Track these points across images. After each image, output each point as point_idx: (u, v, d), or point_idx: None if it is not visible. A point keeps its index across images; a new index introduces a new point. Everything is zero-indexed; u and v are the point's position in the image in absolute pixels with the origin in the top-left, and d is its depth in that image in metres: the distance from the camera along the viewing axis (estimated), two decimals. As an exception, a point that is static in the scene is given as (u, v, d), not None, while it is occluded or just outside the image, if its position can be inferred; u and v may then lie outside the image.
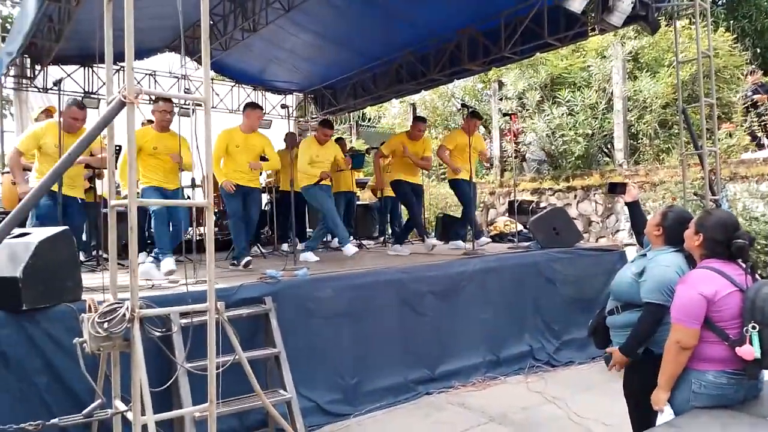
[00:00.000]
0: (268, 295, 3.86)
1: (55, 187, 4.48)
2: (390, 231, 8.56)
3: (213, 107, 6.11)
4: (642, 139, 10.79)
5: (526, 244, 6.23)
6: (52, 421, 2.39)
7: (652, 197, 9.06)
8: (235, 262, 5.23)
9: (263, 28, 6.87)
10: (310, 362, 4.00)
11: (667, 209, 2.76)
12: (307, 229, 8.30)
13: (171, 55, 9.11)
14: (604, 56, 11.21)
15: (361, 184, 9.46)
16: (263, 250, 6.72)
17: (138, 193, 4.77)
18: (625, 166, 10.33)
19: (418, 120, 6.83)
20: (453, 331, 4.87)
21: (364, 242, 7.52)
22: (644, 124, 10.55)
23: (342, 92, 9.95)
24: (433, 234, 7.94)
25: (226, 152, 5.32)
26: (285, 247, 6.84)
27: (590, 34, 6.25)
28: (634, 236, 3.32)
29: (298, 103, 11.24)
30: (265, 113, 10.35)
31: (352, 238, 7.11)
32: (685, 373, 2.30)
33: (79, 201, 4.90)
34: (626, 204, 3.27)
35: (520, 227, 7.32)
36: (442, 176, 13.40)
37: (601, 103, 11.00)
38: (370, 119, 17.62)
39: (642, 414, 2.60)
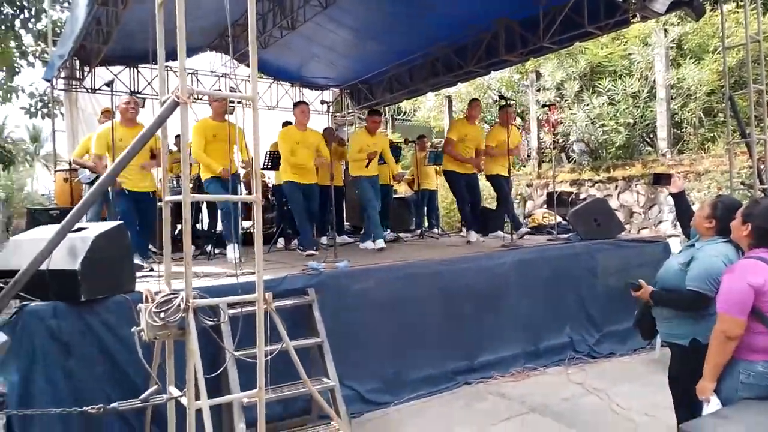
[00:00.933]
0: (311, 286, 3.97)
1: (128, 186, 4.75)
2: (427, 224, 8.60)
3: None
4: (686, 127, 10.49)
5: (566, 235, 6.16)
6: (112, 405, 2.54)
7: (697, 187, 8.82)
8: (301, 248, 5.68)
9: (301, 25, 6.97)
10: (351, 352, 4.08)
11: (717, 199, 2.72)
12: (345, 222, 8.40)
13: (210, 54, 9.36)
14: (646, 43, 10.91)
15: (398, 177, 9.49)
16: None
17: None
18: (668, 155, 10.06)
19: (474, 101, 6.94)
20: (492, 322, 4.89)
21: (401, 235, 7.56)
22: (688, 112, 10.25)
23: (378, 87, 9.99)
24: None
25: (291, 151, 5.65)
26: (324, 240, 6.94)
27: (632, 21, 6.10)
28: (678, 227, 3.28)
29: (334, 98, 11.34)
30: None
31: (388, 231, 7.21)
32: (733, 363, 2.27)
33: (150, 195, 5.14)
34: (671, 195, 3.23)
35: (559, 219, 7.24)
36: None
37: (643, 91, 10.73)
38: (405, 113, 17.64)
39: (687, 405, 2.58)
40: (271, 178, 7.94)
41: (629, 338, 5.31)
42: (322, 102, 8.68)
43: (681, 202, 3.17)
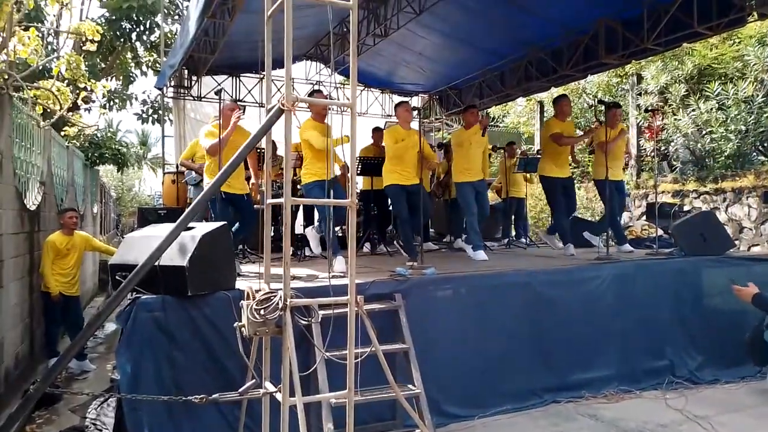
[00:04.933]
0: (398, 291, 3.98)
1: (224, 188, 4.95)
2: (514, 233, 8.39)
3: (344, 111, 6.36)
4: (807, 135, 9.55)
5: (668, 250, 5.78)
6: (213, 396, 2.69)
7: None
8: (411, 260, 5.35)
9: (394, 32, 7.06)
10: (436, 360, 4.05)
11: None
12: (431, 230, 8.38)
13: (305, 63, 9.71)
14: (763, 43, 10.04)
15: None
16: (389, 249, 6.89)
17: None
18: (786, 166, 9.20)
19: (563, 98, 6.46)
20: (584, 339, 4.67)
21: (487, 244, 7.43)
22: (811, 118, 9.32)
23: (467, 92, 9.91)
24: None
25: (394, 151, 5.53)
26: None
27: (748, 20, 5.63)
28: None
29: (423, 104, 11.39)
30: (390, 115, 10.70)
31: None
32: None
33: (245, 197, 5.35)
34: None
35: (660, 232, 6.81)
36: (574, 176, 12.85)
37: (758, 96, 9.87)
38: (494, 118, 17.33)
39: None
40: (359, 183, 8.09)
41: (736, 364, 4.87)
42: (414, 108, 8.71)
43: None
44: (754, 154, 10.62)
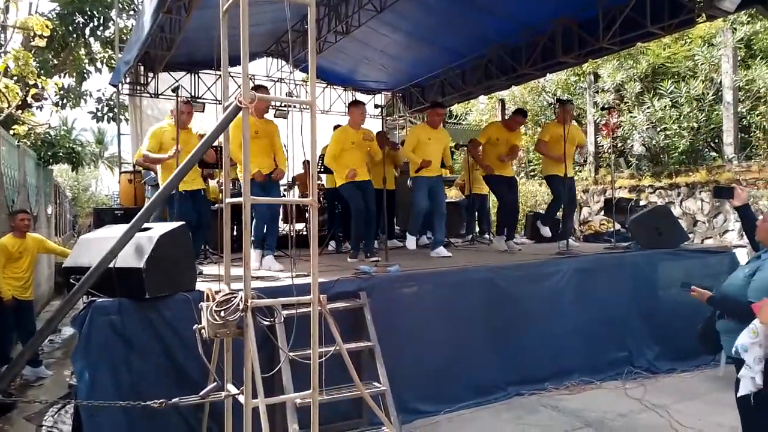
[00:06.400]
0: (363, 289, 3.97)
1: (183, 186, 4.87)
2: (477, 229, 8.48)
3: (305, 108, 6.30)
4: (755, 132, 9.96)
5: (625, 244, 5.95)
6: (173, 400, 2.61)
7: (767, 195, 8.34)
8: (369, 255, 5.49)
9: (355, 30, 7.04)
10: (401, 357, 4.05)
11: None
12: (395, 226, 8.40)
13: (265, 60, 9.59)
14: (712, 44, 10.43)
15: (449, 182, 9.42)
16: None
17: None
18: (735, 161, 9.57)
19: (518, 113, 6.50)
20: (546, 333, 4.76)
21: (452, 240, 7.49)
22: (757, 116, 9.73)
23: (430, 90, 9.97)
24: (523, 233, 7.78)
25: (342, 150, 5.52)
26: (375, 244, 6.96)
27: (698, 21, 5.83)
28: (746, 238, 3.11)
29: (386, 102, 11.40)
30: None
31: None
32: None
33: (202, 192, 5.24)
34: (735, 208, 3.08)
35: (617, 227, 7.00)
36: (532, 173, 13.08)
37: (708, 94, 10.25)
38: (456, 116, 17.51)
39: (759, 425, 2.44)
40: (323, 181, 8.04)
41: (691, 354, 5.04)
42: (377, 106, 8.71)
43: (746, 215, 3.01)
44: (706, 150, 11.02)
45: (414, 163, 5.80)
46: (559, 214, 6.51)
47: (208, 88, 9.32)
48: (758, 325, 2.12)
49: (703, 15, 5.56)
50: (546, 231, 6.52)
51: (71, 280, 3.26)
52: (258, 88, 5.64)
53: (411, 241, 6.27)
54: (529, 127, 13.28)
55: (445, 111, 6.33)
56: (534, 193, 11.95)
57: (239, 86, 2.23)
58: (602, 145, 12.24)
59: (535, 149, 6.56)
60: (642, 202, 9.25)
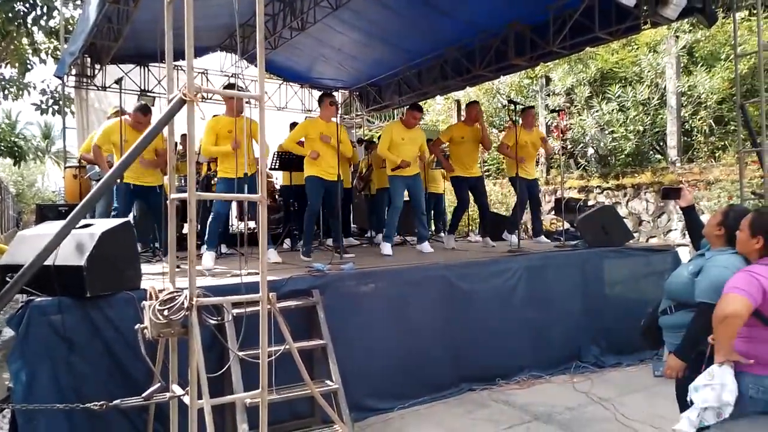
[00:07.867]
0: (316, 287, 3.95)
1: (131, 180, 4.78)
2: (434, 227, 8.56)
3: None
4: (696, 136, 10.42)
5: (574, 242, 6.12)
6: (114, 402, 2.53)
7: (707, 196, 8.75)
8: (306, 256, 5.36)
9: (311, 26, 6.98)
10: (354, 355, 4.05)
11: (729, 208, 2.69)
12: (352, 225, 8.39)
13: (220, 54, 9.40)
14: (657, 51, 10.86)
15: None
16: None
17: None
18: (678, 163, 10.00)
19: (471, 104, 6.66)
20: (497, 329, 4.85)
21: (407, 238, 7.54)
22: (699, 120, 10.18)
23: (387, 89, 10.00)
24: (478, 231, 7.89)
25: (308, 138, 5.42)
26: (330, 241, 6.93)
27: (643, 27, 6.06)
28: (688, 237, 3.24)
29: (343, 100, 11.37)
30: (310, 110, 10.60)
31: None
32: (741, 376, 2.23)
33: (157, 189, 5.08)
34: (681, 209, 3.20)
35: (566, 225, 7.19)
36: (486, 173, 13.29)
37: (653, 98, 10.67)
38: (414, 116, 17.57)
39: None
40: (279, 179, 7.93)
41: (636, 348, 5.25)
42: (332, 103, 8.64)
43: (691, 215, 3.13)
44: (651, 152, 11.46)
45: (391, 161, 5.81)
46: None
47: (159, 82, 9.06)
48: (715, 369, 2.19)
49: (648, 22, 5.77)
50: (513, 239, 6.55)
51: (7, 279, 3.11)
52: (327, 95, 5.60)
53: (387, 248, 5.71)
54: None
55: (422, 115, 6.24)
56: (489, 193, 12.15)
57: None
58: (553, 147, 12.56)
59: (498, 151, 6.67)
60: (590, 202, 9.54)
